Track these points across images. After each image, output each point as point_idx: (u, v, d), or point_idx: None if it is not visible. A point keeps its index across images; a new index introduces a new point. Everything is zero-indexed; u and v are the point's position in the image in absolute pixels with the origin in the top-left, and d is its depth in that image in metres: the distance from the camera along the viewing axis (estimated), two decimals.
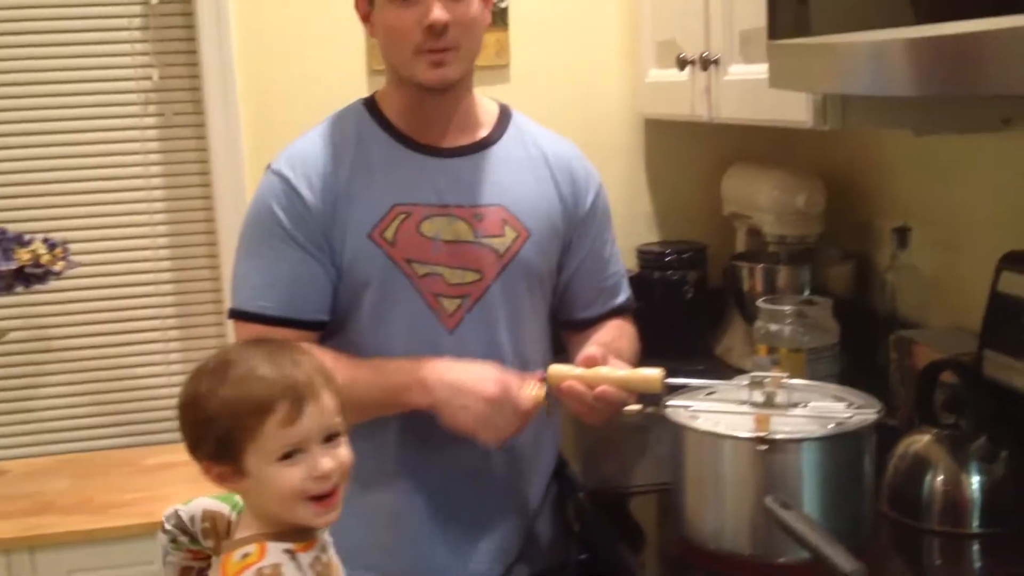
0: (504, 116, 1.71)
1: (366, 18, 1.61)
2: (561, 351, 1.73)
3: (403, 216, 1.58)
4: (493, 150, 1.66)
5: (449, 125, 1.63)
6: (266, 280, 1.57)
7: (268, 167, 1.62)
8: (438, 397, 1.48)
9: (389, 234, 1.57)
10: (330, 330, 1.61)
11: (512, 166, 1.66)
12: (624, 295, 1.78)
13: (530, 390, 1.48)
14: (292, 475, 1.17)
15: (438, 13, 1.51)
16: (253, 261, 1.60)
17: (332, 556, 1.26)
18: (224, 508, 1.29)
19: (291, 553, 1.18)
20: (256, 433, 1.15)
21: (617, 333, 1.72)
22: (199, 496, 1.30)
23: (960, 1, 1.05)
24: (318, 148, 1.61)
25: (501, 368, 1.51)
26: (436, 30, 1.52)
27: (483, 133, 1.66)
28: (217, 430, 1.15)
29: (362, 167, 1.59)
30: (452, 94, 1.61)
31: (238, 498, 1.27)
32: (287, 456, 1.16)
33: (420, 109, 1.62)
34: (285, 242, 1.56)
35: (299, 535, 1.21)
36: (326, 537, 1.26)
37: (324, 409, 1.18)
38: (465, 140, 1.65)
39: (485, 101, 1.70)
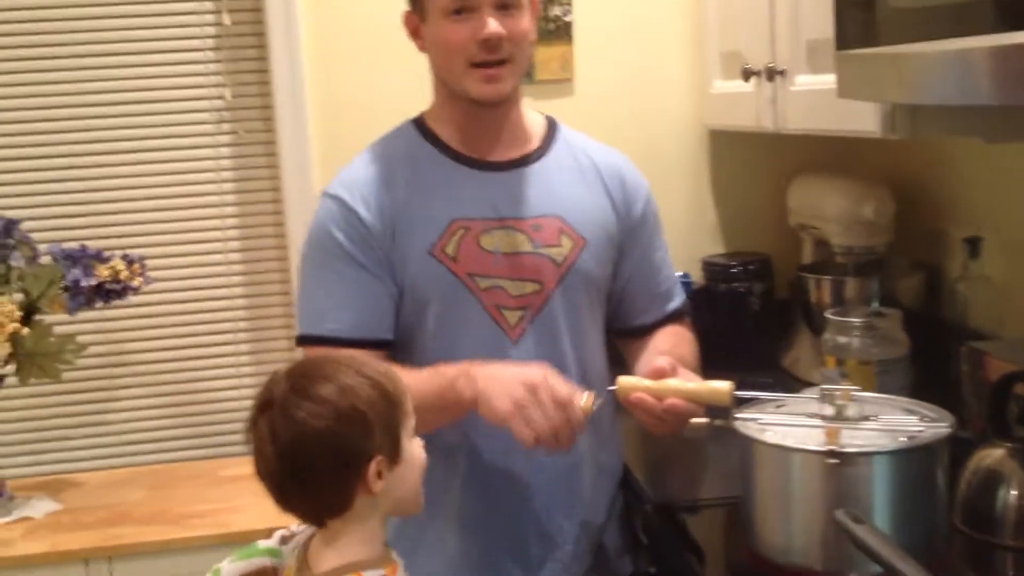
0: (552, 129, 1.73)
1: (415, 33, 1.63)
2: (618, 361, 1.73)
3: (462, 231, 1.60)
4: (544, 162, 1.68)
5: (500, 139, 1.66)
6: (334, 303, 1.59)
7: (324, 193, 1.65)
8: (480, 387, 1.46)
9: (451, 250, 1.59)
10: (395, 348, 1.62)
11: (565, 176, 1.68)
12: (679, 299, 1.79)
13: (580, 400, 1.43)
14: (419, 447, 1.27)
15: (494, 27, 1.53)
16: (318, 285, 1.62)
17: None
18: (263, 561, 1.32)
19: None
20: (407, 408, 1.24)
21: (676, 340, 1.72)
22: (227, 559, 1.34)
23: (1020, 11, 1.05)
24: (372, 170, 1.63)
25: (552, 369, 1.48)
26: (491, 44, 1.54)
27: (533, 145, 1.69)
28: (382, 413, 1.20)
29: (417, 185, 1.62)
30: (503, 108, 1.63)
31: (262, 543, 1.32)
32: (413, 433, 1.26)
33: (472, 124, 1.64)
34: (348, 264, 1.59)
35: (384, 560, 1.24)
36: (399, 559, 1.29)
37: None
38: (516, 153, 1.67)
39: (532, 114, 1.72)
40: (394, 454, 1.21)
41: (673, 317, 1.77)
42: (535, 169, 1.66)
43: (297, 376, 1.21)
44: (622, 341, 1.78)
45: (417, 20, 1.62)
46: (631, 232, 1.72)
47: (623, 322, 1.76)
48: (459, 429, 1.59)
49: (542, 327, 1.62)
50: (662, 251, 1.78)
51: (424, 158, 1.65)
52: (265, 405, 1.20)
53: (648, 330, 1.75)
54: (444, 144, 1.65)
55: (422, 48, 1.63)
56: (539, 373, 1.44)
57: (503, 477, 1.62)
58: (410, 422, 1.24)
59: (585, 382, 1.56)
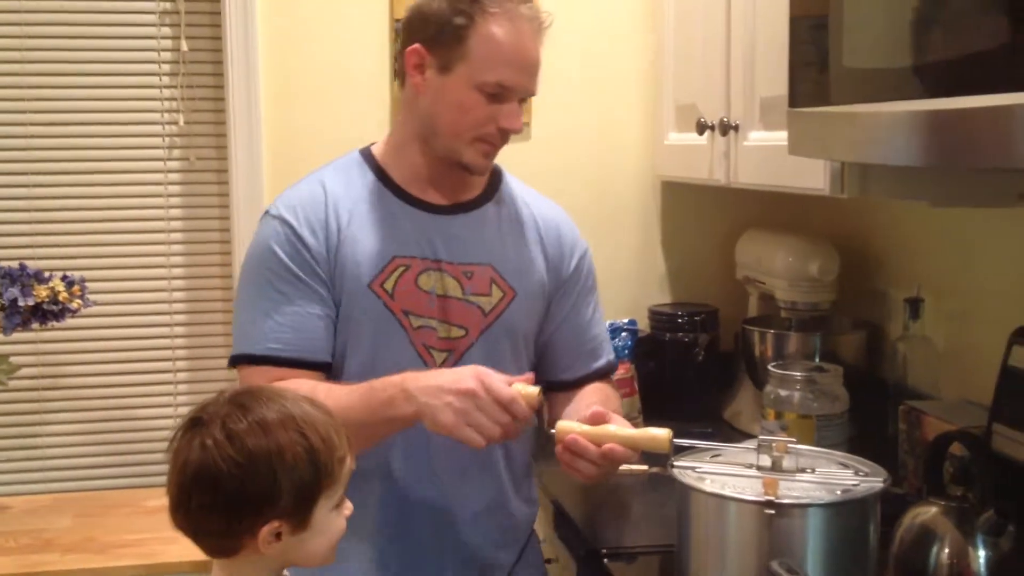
0: (496, 176, 1.73)
1: (418, 70, 1.59)
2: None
3: (403, 269, 1.60)
4: (485, 209, 1.69)
5: (449, 187, 1.66)
6: (276, 323, 1.58)
7: (267, 213, 1.64)
8: (420, 402, 1.44)
9: (389, 285, 1.60)
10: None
11: (503, 226, 1.69)
12: (606, 358, 1.79)
13: (520, 387, 1.43)
14: (341, 519, 1.20)
15: (519, 124, 1.60)
16: (259, 306, 1.60)
17: None
18: None
19: None
20: (335, 480, 1.17)
21: (602, 398, 1.70)
22: None
23: (981, 75, 1.07)
24: (319, 195, 1.63)
25: (482, 366, 1.48)
26: (508, 134, 1.59)
27: (476, 191, 1.69)
28: (301, 481, 1.14)
29: (362, 219, 1.62)
30: None
31: None
32: (339, 503, 1.19)
33: (435, 176, 1.65)
34: (292, 285, 1.58)
35: None
36: None
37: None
38: (459, 198, 1.67)
39: None
40: (301, 522, 1.16)
41: (598, 375, 1.77)
42: (474, 216, 1.67)
43: (235, 408, 1.16)
44: (547, 392, 1.76)
45: (428, 61, 1.58)
46: (561, 287, 1.72)
47: (547, 374, 1.74)
48: (377, 455, 1.58)
49: None
50: (593, 309, 1.77)
51: (370, 192, 1.64)
52: (193, 422, 1.17)
53: (571, 385, 1.74)
54: (391, 181, 1.65)
55: (419, 89, 1.60)
56: (474, 379, 1.43)
57: (419, 503, 1.61)
58: (337, 491, 1.18)
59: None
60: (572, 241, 1.74)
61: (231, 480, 1.12)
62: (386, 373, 1.56)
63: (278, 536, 1.15)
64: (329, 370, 1.60)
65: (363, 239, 1.60)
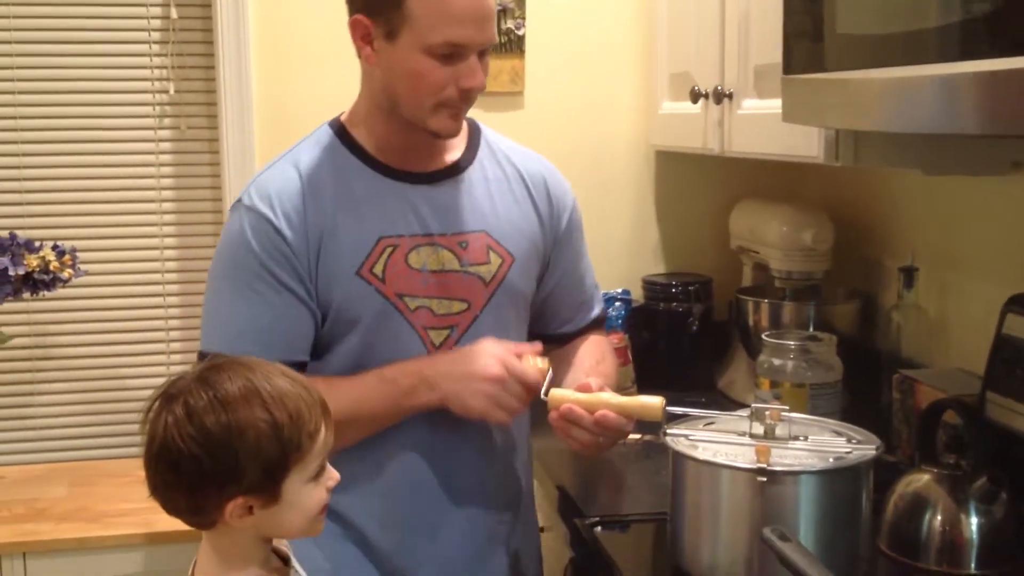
0: (474, 132, 1.67)
1: (365, 41, 1.50)
2: None
3: (390, 249, 1.54)
4: (470, 172, 1.62)
5: (427, 151, 1.60)
6: (249, 324, 1.51)
7: (239, 203, 1.54)
8: (445, 390, 1.49)
9: (378, 269, 1.53)
10: (311, 368, 1.55)
11: (491, 188, 1.63)
12: (599, 307, 1.79)
13: (532, 362, 1.51)
14: (319, 491, 1.18)
15: (481, 78, 1.48)
16: (233, 302, 1.53)
17: None
18: None
19: None
20: (305, 454, 1.15)
21: (599, 355, 1.71)
22: None
23: (974, 41, 1.06)
24: (294, 183, 1.53)
25: (494, 343, 1.51)
26: (472, 93, 1.49)
27: (457, 153, 1.62)
28: (266, 457, 1.12)
29: (343, 201, 1.53)
30: None
31: None
32: (317, 474, 1.17)
33: (407, 143, 1.57)
34: (268, 284, 1.50)
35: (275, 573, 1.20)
36: (298, 568, 1.25)
37: (331, 425, 1.19)
38: (440, 162, 1.60)
39: None
40: (270, 497, 1.14)
41: (593, 325, 1.77)
42: (461, 180, 1.60)
43: (199, 384, 1.14)
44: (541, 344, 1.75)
45: (373, 31, 1.48)
46: (557, 244, 1.69)
47: (544, 328, 1.72)
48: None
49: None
50: (585, 258, 1.76)
51: (349, 171, 1.56)
52: (163, 396, 1.15)
53: (568, 338, 1.74)
54: (368, 155, 1.57)
55: (370, 61, 1.51)
56: (498, 364, 1.47)
57: (424, 474, 1.60)
58: (310, 465, 1.16)
59: None
60: (562, 194, 1.70)
61: (190, 460, 1.10)
62: (386, 361, 1.53)
63: (249, 510, 1.14)
64: (304, 370, 1.53)
65: (347, 224, 1.52)
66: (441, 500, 1.61)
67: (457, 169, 1.61)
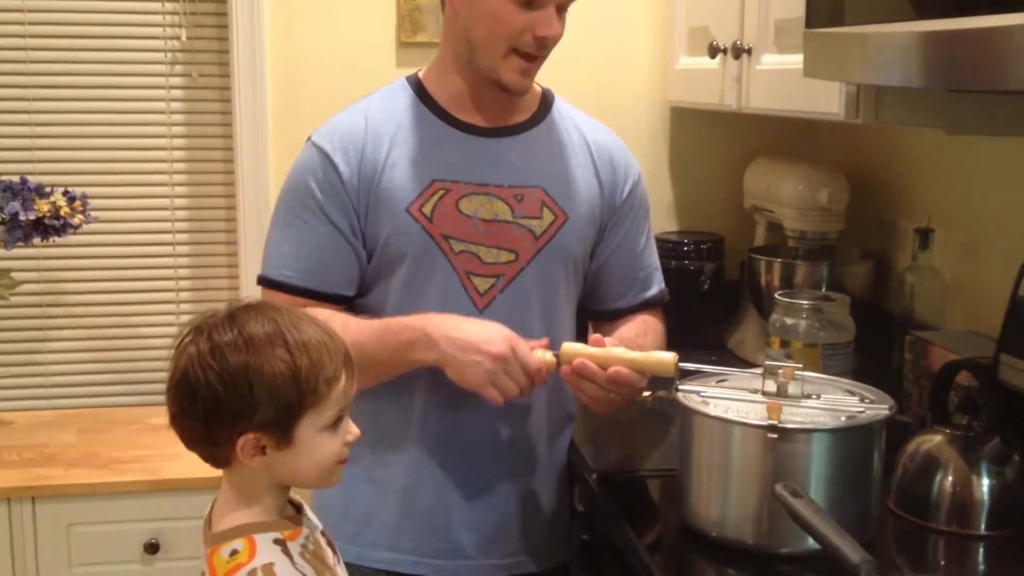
0: (546, 100, 1.71)
1: None
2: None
3: (442, 192, 1.58)
4: (535, 132, 1.66)
5: (498, 110, 1.64)
6: (293, 251, 1.59)
7: (309, 139, 1.63)
8: (445, 352, 1.48)
9: (427, 209, 1.57)
10: (359, 305, 1.62)
11: (554, 150, 1.66)
12: (656, 288, 1.78)
13: (540, 354, 1.49)
14: (335, 442, 1.19)
15: (557, 28, 1.53)
16: (283, 231, 1.61)
17: (319, 537, 1.25)
18: None
19: (281, 543, 1.18)
20: (322, 399, 1.16)
21: (643, 328, 1.71)
22: None
23: None
24: (360, 124, 1.61)
25: (508, 328, 1.50)
26: (546, 42, 1.53)
27: (526, 115, 1.66)
28: (281, 397, 1.13)
29: (403, 144, 1.60)
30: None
31: None
32: (334, 424, 1.18)
33: (478, 98, 1.62)
34: (316, 215, 1.58)
35: (286, 521, 1.21)
36: (312, 517, 1.26)
37: (354, 377, 1.21)
38: (508, 121, 1.65)
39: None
40: (283, 438, 1.15)
41: (648, 305, 1.76)
42: (523, 138, 1.65)
43: (226, 320, 1.17)
44: (594, 323, 1.77)
45: None
46: (615, 214, 1.70)
47: (597, 304, 1.75)
48: (413, 383, 1.59)
49: (513, 298, 1.61)
50: (646, 238, 1.76)
51: (416, 117, 1.62)
52: (193, 329, 1.18)
53: (622, 314, 1.74)
54: (437, 105, 1.63)
55: (454, 5, 1.57)
56: (505, 343, 1.46)
57: (454, 433, 1.62)
58: (326, 413, 1.17)
59: None
60: (625, 166, 1.72)
61: (207, 389, 1.13)
62: (426, 302, 1.57)
63: (262, 450, 1.15)
64: (348, 304, 1.61)
65: (403, 164, 1.58)
66: (485, 462, 1.63)
67: (523, 128, 1.65)
